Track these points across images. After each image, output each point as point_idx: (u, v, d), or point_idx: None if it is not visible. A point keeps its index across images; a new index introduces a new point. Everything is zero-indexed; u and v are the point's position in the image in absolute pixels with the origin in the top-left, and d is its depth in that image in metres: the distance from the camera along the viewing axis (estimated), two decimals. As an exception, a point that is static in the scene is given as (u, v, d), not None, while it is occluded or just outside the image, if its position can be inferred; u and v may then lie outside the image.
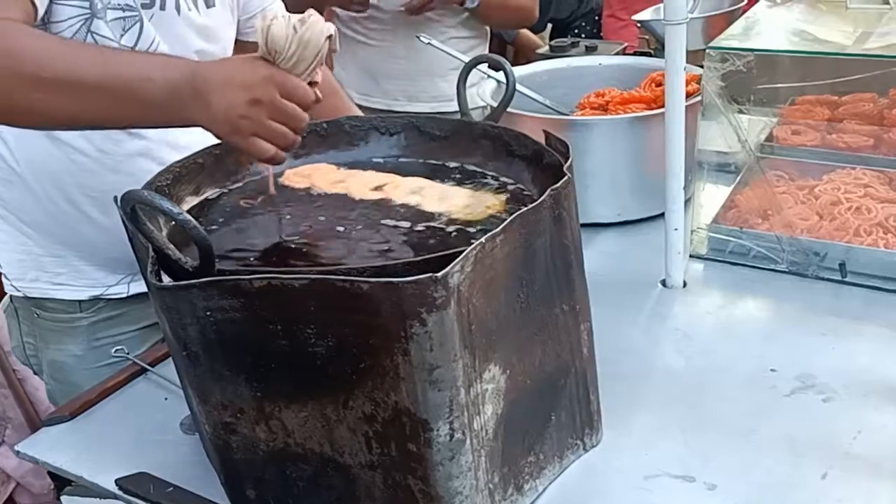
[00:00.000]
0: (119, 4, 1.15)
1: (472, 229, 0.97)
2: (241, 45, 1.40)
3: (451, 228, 0.98)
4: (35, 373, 1.47)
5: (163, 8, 1.20)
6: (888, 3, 1.58)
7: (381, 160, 1.18)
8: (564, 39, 2.47)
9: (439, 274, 0.74)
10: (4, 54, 0.92)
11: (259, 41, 0.94)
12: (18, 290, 1.32)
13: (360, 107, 2.00)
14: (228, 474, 0.93)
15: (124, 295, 1.32)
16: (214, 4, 1.30)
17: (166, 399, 1.16)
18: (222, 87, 0.92)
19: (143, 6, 1.18)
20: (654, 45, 2.44)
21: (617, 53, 2.37)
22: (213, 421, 0.88)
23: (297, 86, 0.94)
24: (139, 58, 1.05)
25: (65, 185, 1.23)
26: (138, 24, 1.17)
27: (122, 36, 1.16)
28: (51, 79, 0.92)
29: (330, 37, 0.96)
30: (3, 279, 1.33)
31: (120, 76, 0.94)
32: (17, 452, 1.09)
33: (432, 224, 1.00)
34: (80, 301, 1.31)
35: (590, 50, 2.38)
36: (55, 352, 1.35)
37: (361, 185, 1.09)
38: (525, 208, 0.86)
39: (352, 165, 1.16)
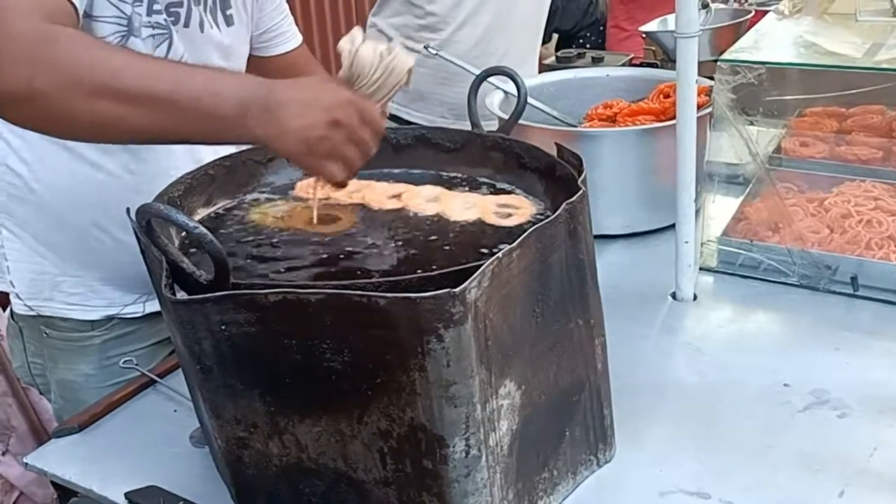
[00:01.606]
0: (151, 22, 1.16)
1: (502, 243, 0.96)
2: (252, 61, 1.40)
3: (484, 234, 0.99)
4: (41, 392, 1.45)
5: (186, 25, 1.21)
6: (898, 15, 1.57)
7: (392, 171, 1.17)
8: (570, 50, 2.48)
9: (457, 289, 0.74)
10: (74, 62, 0.90)
11: (343, 63, 0.93)
12: (31, 309, 1.30)
13: (393, 117, 1.94)
14: (240, 489, 0.92)
15: (140, 314, 1.32)
16: (234, 23, 1.31)
17: (175, 411, 1.15)
18: (302, 106, 0.91)
19: (172, 23, 1.18)
20: (660, 55, 2.45)
21: (623, 64, 2.37)
22: (225, 435, 0.88)
23: (374, 112, 0.95)
24: (208, 72, 1.02)
25: (88, 204, 1.22)
26: (168, 41, 1.18)
27: (154, 52, 1.16)
28: (121, 89, 0.89)
29: (410, 69, 0.96)
30: (15, 298, 1.31)
31: (190, 89, 0.91)
32: (26, 465, 1.09)
33: (461, 232, 1.00)
34: (92, 320, 1.30)
35: (596, 61, 2.38)
36: (65, 371, 1.34)
37: (378, 194, 1.09)
38: (541, 223, 0.85)
39: (363, 177, 1.16)
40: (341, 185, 0.97)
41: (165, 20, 1.17)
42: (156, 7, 1.16)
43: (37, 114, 0.91)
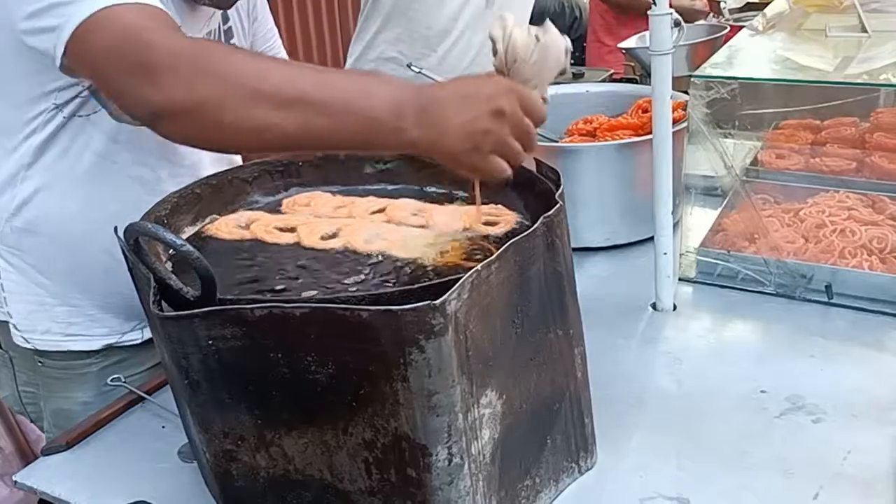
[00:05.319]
0: None
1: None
2: None
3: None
4: (32, 421, 1.43)
5: None
6: (866, 31, 1.62)
7: (374, 188, 1.19)
8: (551, 66, 2.51)
9: (437, 301, 0.76)
10: (233, 70, 0.89)
11: (498, 49, 0.90)
12: (28, 343, 1.28)
13: None
14: (229, 502, 0.93)
15: (139, 341, 1.30)
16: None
17: (164, 427, 1.16)
18: (462, 100, 0.87)
19: None
20: (639, 71, 2.49)
21: (603, 80, 2.41)
22: (213, 449, 0.89)
23: (535, 99, 0.89)
24: (358, 74, 0.98)
25: (103, 233, 1.16)
26: None
27: None
28: (272, 92, 0.87)
29: (567, 50, 0.91)
30: (13, 329, 1.28)
31: (341, 90, 0.88)
32: (15, 483, 1.09)
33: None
34: (91, 351, 1.29)
35: (577, 77, 2.42)
36: (61, 400, 1.31)
37: (362, 209, 1.11)
38: (519, 236, 0.88)
39: (347, 193, 1.18)
40: (504, 182, 0.92)
41: None
42: None
43: (194, 125, 0.89)
